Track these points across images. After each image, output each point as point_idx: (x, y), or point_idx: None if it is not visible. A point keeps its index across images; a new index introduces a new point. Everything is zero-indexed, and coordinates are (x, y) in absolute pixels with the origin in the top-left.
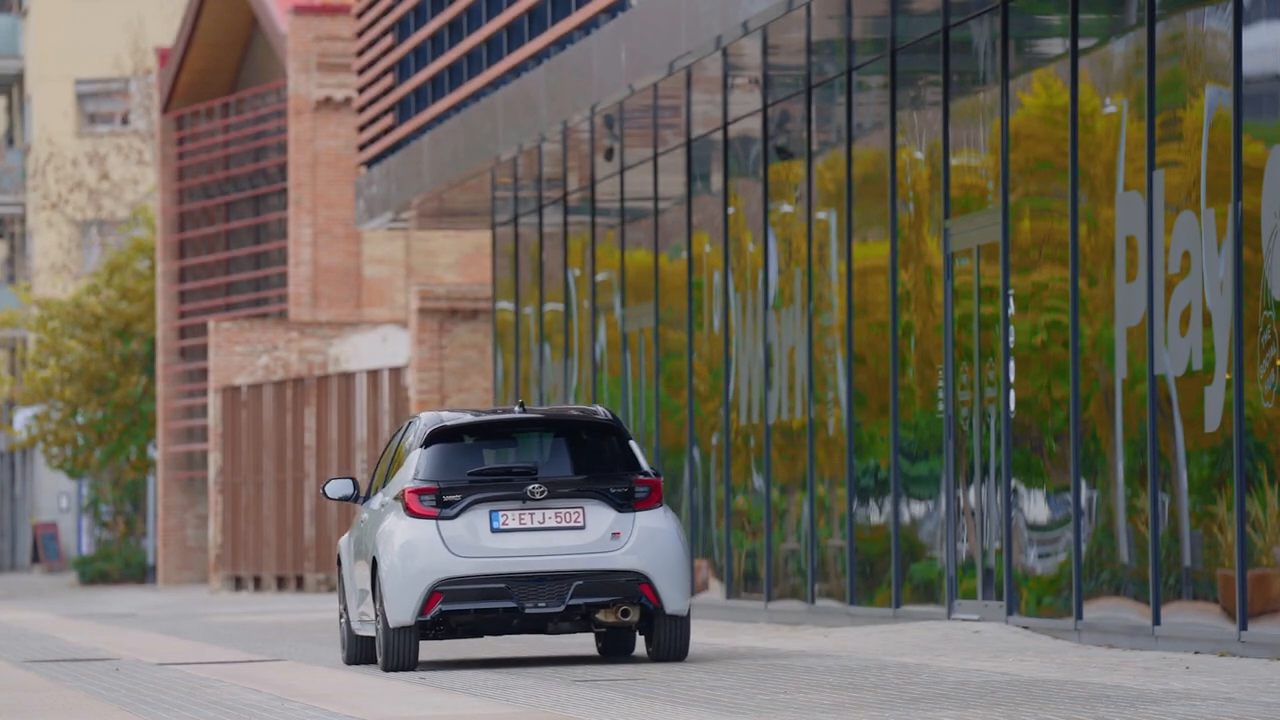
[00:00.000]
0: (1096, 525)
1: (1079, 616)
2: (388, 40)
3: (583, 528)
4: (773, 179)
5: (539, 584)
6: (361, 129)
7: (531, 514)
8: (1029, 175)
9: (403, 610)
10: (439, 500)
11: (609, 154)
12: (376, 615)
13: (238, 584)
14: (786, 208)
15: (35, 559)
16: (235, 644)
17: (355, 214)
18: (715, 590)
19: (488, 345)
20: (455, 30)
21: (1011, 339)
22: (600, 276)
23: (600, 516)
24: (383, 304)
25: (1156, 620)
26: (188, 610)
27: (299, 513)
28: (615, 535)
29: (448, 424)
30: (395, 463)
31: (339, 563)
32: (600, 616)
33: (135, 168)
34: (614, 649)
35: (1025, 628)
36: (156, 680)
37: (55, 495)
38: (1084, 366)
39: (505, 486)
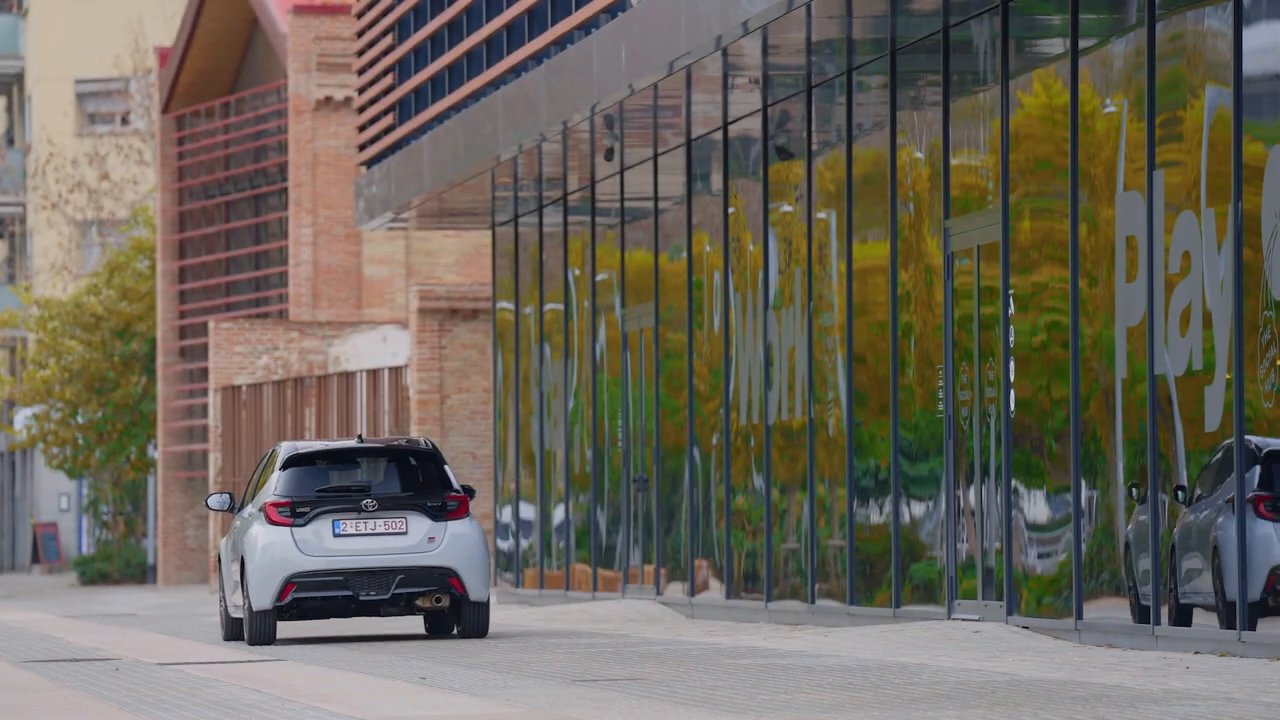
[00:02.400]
0: (1096, 525)
1: (1079, 616)
2: (388, 40)
3: (405, 533)
4: (773, 179)
5: (371, 577)
6: (361, 129)
7: (365, 522)
8: (1029, 175)
9: (263, 597)
10: (293, 511)
11: (609, 154)
12: (244, 602)
13: None
14: (786, 208)
15: (35, 559)
16: (235, 644)
17: (355, 214)
18: (715, 590)
19: (488, 345)
20: (455, 30)
21: (1011, 339)
22: (600, 276)
23: (419, 524)
24: (383, 304)
25: (1157, 620)
26: (188, 610)
27: None
28: (431, 539)
29: (301, 451)
30: (261, 481)
31: (219, 561)
32: (419, 603)
33: (135, 168)
34: (438, 628)
35: (1025, 628)
36: (156, 680)
37: (55, 495)
38: (1084, 366)
39: (345, 501)
